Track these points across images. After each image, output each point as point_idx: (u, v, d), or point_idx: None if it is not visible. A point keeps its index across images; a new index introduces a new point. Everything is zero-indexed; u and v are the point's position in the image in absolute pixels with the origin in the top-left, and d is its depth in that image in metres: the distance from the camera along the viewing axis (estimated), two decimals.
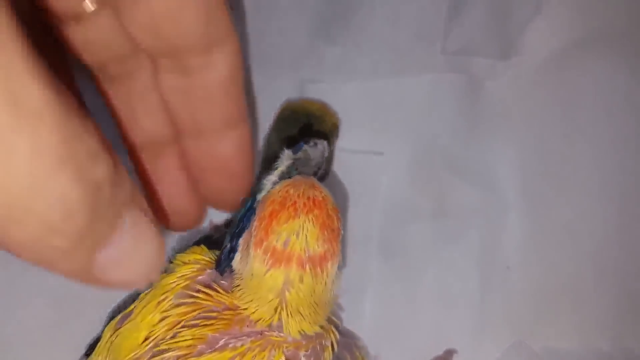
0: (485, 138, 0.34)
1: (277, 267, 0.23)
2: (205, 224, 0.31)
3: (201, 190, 0.27)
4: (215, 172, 0.26)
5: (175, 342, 0.23)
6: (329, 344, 0.25)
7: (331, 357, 0.25)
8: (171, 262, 0.25)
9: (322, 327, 0.25)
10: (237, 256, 0.24)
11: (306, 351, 0.24)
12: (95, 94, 0.25)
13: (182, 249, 0.26)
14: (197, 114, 0.24)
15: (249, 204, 0.25)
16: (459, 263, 0.33)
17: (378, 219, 0.34)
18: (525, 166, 0.34)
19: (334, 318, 0.26)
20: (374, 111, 0.35)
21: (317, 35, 0.35)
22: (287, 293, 0.23)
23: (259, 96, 0.34)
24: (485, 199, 0.33)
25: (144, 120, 0.25)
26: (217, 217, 0.31)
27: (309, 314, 0.24)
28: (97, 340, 0.26)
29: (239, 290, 0.24)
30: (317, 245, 0.23)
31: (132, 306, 0.25)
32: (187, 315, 0.23)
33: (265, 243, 0.23)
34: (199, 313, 0.23)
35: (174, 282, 0.24)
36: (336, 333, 0.26)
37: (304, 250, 0.23)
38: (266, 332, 0.23)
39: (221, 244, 0.26)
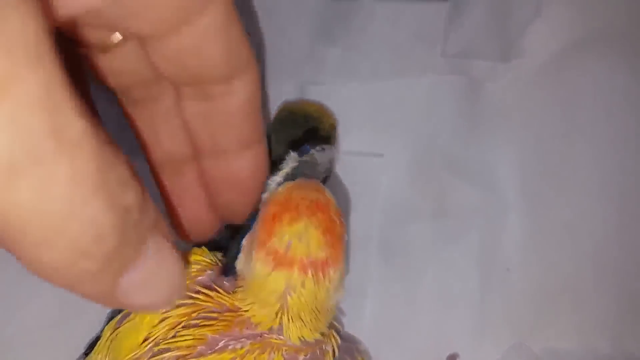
0: (485, 139, 0.34)
1: (279, 270, 0.23)
2: None
3: (216, 204, 0.28)
4: (230, 188, 0.26)
5: (175, 341, 0.23)
6: (329, 349, 0.25)
7: None
8: None
9: (322, 333, 0.25)
10: (241, 256, 0.24)
11: (305, 355, 0.24)
12: (117, 114, 0.26)
13: (183, 250, 0.26)
14: (216, 135, 0.25)
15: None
16: (459, 263, 0.33)
17: (378, 219, 0.34)
18: (525, 167, 0.34)
19: (335, 323, 0.26)
20: (374, 112, 0.35)
21: (317, 37, 0.36)
22: (288, 297, 0.23)
23: None
24: (485, 200, 0.33)
25: (165, 141, 0.26)
26: None
27: (310, 320, 0.24)
28: (96, 339, 0.26)
29: (241, 292, 0.24)
30: (320, 250, 0.23)
31: None
32: (187, 316, 0.23)
33: (267, 245, 0.23)
34: (199, 314, 0.23)
35: None
36: (337, 338, 0.26)
37: (306, 255, 0.23)
38: (266, 335, 0.23)
39: (222, 245, 0.26)
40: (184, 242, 0.28)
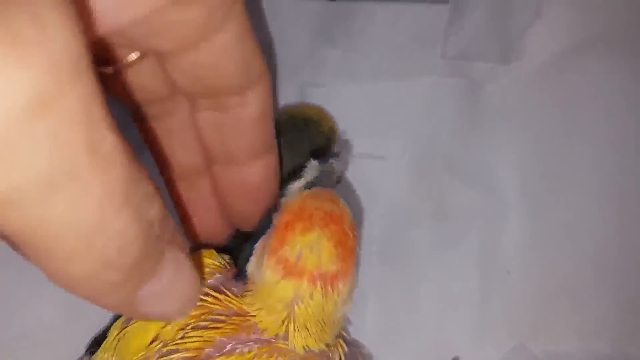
0: (485, 140, 0.34)
1: (288, 279, 0.23)
2: None
3: (227, 211, 0.28)
4: (242, 196, 0.27)
5: (184, 343, 0.22)
6: (336, 357, 0.25)
7: None
8: None
9: (327, 345, 0.25)
10: (252, 260, 0.24)
11: None
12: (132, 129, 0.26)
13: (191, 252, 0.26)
14: (229, 145, 0.25)
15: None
16: (459, 265, 0.33)
17: (378, 222, 0.34)
18: (525, 168, 0.34)
19: (342, 332, 0.26)
20: (374, 114, 0.35)
21: (317, 39, 0.36)
22: (296, 307, 0.23)
23: None
24: (485, 202, 0.33)
25: (180, 153, 0.26)
26: None
27: (316, 331, 0.24)
28: (99, 337, 0.26)
29: (249, 296, 0.24)
30: (330, 263, 0.23)
31: None
32: (196, 318, 0.23)
33: (279, 253, 0.23)
34: (208, 316, 0.23)
35: None
36: (344, 346, 0.26)
37: (316, 266, 0.23)
38: (273, 340, 0.23)
39: (231, 249, 0.26)
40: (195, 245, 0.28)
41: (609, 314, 0.32)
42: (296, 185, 0.26)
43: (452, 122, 0.35)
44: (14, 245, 0.21)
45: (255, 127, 0.25)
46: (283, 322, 0.23)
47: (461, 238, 0.33)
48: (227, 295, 0.24)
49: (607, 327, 0.32)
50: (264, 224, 0.25)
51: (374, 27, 0.35)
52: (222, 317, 0.23)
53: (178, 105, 0.25)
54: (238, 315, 0.24)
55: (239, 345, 0.23)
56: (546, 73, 0.35)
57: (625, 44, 0.34)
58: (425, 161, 0.34)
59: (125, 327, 0.24)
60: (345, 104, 0.35)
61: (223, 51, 0.22)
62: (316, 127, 0.32)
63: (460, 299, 0.32)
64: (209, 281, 0.24)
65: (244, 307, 0.24)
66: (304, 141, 0.31)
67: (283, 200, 0.25)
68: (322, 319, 0.24)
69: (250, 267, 0.24)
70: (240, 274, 0.25)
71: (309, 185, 0.25)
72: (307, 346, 0.24)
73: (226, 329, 0.23)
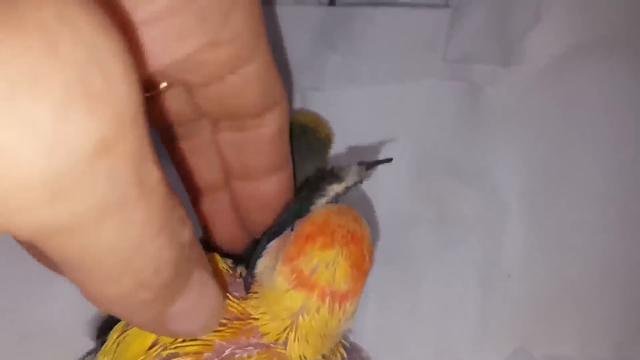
0: (486, 143, 0.34)
1: (298, 290, 0.23)
2: None
3: (245, 222, 0.29)
4: (258, 209, 0.28)
5: (183, 346, 0.23)
6: None
7: None
8: None
9: (323, 356, 0.25)
10: (264, 259, 0.24)
11: None
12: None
13: None
14: (247, 161, 0.27)
15: (293, 209, 0.26)
16: (460, 269, 0.33)
17: (379, 224, 0.34)
18: (526, 171, 0.34)
19: (342, 340, 0.26)
20: (374, 118, 0.35)
21: (318, 44, 0.36)
22: (300, 318, 0.23)
23: None
24: (486, 204, 0.33)
25: (203, 170, 0.28)
26: None
27: (315, 344, 0.24)
28: (105, 322, 0.26)
29: (255, 298, 0.24)
30: (343, 282, 0.23)
31: None
32: None
33: (294, 262, 0.23)
34: None
35: None
36: (343, 353, 0.26)
37: (329, 283, 0.23)
38: (272, 345, 0.23)
39: (244, 257, 0.26)
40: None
41: (611, 318, 0.32)
42: (336, 187, 0.26)
43: (452, 125, 0.35)
44: (44, 259, 0.22)
45: (272, 145, 0.26)
46: (285, 329, 0.23)
47: (462, 240, 0.33)
48: (229, 299, 0.24)
49: (609, 331, 0.32)
50: (278, 223, 0.25)
51: (374, 32, 0.35)
52: (223, 321, 0.23)
53: (202, 127, 0.27)
54: (238, 319, 0.24)
55: (238, 350, 0.23)
56: (547, 75, 0.34)
57: (626, 45, 0.34)
58: (426, 164, 0.34)
59: (126, 331, 0.24)
60: (346, 108, 0.35)
61: (247, 82, 0.23)
62: (313, 134, 0.33)
63: (460, 301, 0.32)
64: None
65: (248, 309, 0.24)
66: (302, 148, 0.31)
67: (322, 200, 0.26)
68: (324, 333, 0.24)
69: (260, 266, 0.25)
70: (248, 271, 0.25)
71: (348, 190, 0.26)
72: (304, 356, 0.24)
73: (226, 332, 0.23)
